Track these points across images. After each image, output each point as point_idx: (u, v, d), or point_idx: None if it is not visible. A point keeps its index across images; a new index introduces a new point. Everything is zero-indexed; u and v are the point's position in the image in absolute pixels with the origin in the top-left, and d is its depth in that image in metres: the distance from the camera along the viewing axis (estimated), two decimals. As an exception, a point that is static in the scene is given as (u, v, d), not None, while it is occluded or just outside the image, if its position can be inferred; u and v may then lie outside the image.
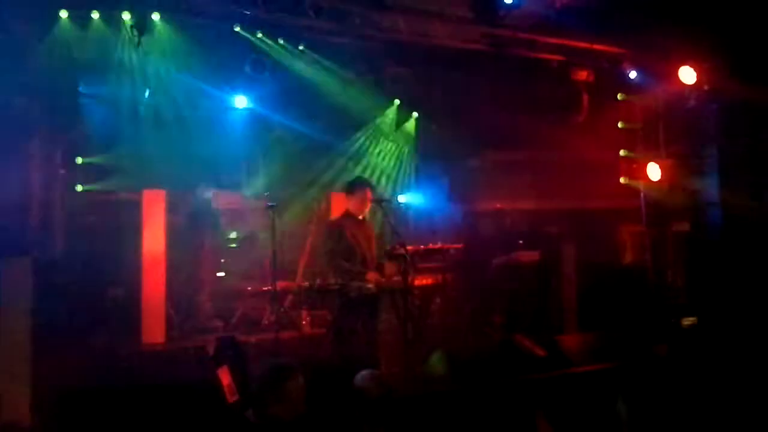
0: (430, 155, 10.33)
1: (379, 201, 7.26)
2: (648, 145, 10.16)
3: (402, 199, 10.06)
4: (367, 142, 10.07)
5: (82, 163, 8.17)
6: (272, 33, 8.48)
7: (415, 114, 10.18)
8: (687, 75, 9.38)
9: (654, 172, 9.91)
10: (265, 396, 3.93)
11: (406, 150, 10.36)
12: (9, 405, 5.68)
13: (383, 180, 10.02)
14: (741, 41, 8.64)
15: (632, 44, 9.76)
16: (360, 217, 7.11)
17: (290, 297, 8.32)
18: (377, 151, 10.14)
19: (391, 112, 10.10)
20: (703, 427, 5.64)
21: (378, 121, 10.07)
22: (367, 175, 9.48)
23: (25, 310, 5.88)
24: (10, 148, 6.84)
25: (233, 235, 8.78)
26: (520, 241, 9.39)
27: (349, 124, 9.70)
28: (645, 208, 10.01)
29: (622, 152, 10.29)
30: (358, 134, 9.95)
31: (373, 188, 7.31)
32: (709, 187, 9.63)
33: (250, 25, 8.23)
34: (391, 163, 10.30)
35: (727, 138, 9.32)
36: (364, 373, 4.65)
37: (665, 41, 9.20)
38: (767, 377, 6.47)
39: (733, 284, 8.77)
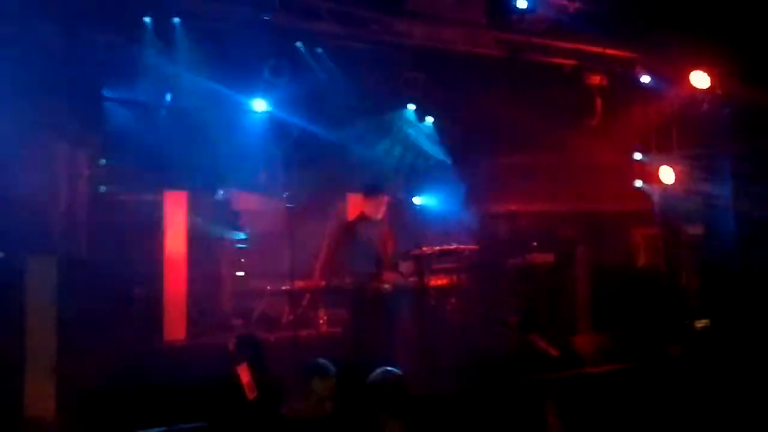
0: (445, 158, 10.33)
1: (395, 203, 7.28)
2: (661, 149, 10.13)
3: (417, 200, 10.07)
4: (383, 145, 10.09)
5: (106, 164, 8.24)
6: (291, 38, 8.54)
7: (430, 118, 10.17)
8: (699, 79, 9.36)
9: (667, 175, 9.90)
10: (291, 391, 3.94)
11: (422, 152, 10.36)
12: (35, 401, 5.74)
13: (399, 182, 10.02)
14: (753, 46, 8.61)
15: (645, 49, 9.76)
16: (376, 218, 7.13)
17: (308, 296, 8.35)
18: (393, 153, 10.16)
19: (407, 116, 10.11)
20: (715, 427, 5.62)
21: (394, 124, 10.08)
22: (383, 176, 9.49)
23: (51, 307, 5.94)
24: (37, 149, 6.92)
25: (252, 235, 8.80)
26: (535, 243, 9.37)
27: (365, 127, 9.72)
28: (658, 211, 9.98)
29: (635, 155, 10.28)
30: (374, 137, 9.96)
31: (389, 191, 7.33)
32: (722, 190, 9.60)
33: (269, 31, 8.28)
34: (407, 165, 10.31)
35: (739, 142, 9.28)
36: (380, 370, 4.65)
37: (678, 46, 9.19)
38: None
39: (746, 287, 8.72)
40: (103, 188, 8.09)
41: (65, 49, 7.30)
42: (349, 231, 7.16)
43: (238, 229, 8.69)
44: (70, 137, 7.26)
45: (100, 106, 7.96)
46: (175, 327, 7.37)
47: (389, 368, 4.65)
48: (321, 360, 4.21)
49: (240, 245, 8.69)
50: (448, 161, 10.29)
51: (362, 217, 7.19)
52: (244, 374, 6.06)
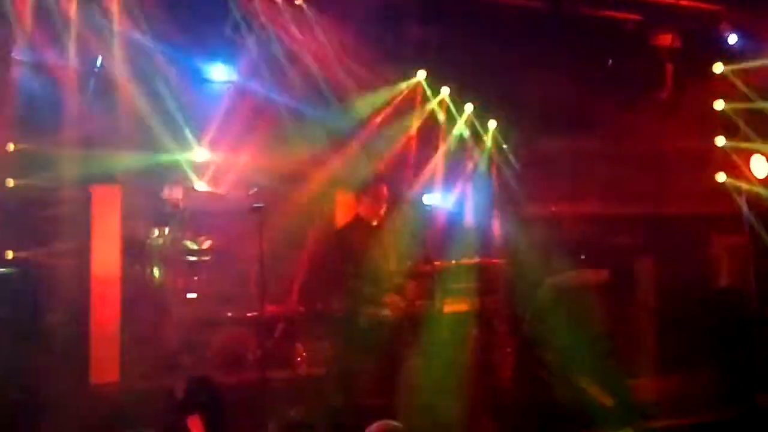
0: (465, 143, 10.35)
1: (398, 202, 7.31)
2: (753, 132, 10.15)
3: (429, 199, 10.10)
4: (384, 125, 10.11)
5: (14, 150, 8.26)
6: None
7: (445, 89, 10.21)
8: (802, 39, 9.40)
9: (760, 167, 9.91)
10: None
11: (434, 136, 10.39)
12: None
13: (405, 175, 10.05)
14: None
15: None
16: (373, 223, 7.16)
17: (281, 326, 8.37)
18: (396, 136, 10.18)
19: (414, 86, 10.14)
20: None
21: (397, 97, 10.10)
22: (383, 168, 9.52)
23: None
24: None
25: (208, 245, 8.83)
26: (582, 256, 9.40)
27: (359, 101, 9.74)
28: (747, 215, 10.00)
29: (718, 141, 10.29)
30: (372, 115, 9.98)
31: (389, 185, 7.35)
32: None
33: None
34: (415, 153, 10.33)
35: None
36: (377, 424, 4.69)
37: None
38: None
39: None
40: (10, 182, 8.12)
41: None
42: (337, 240, 7.20)
43: (189, 237, 8.71)
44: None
45: (8, 72, 7.99)
46: (106, 366, 7.39)
47: (389, 422, 4.69)
48: (298, 416, 4.21)
49: (192, 258, 8.71)
50: (469, 147, 10.30)
51: (355, 222, 7.22)
52: (196, 428, 6.10)
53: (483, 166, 10.12)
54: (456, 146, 10.28)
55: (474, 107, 10.19)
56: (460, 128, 10.26)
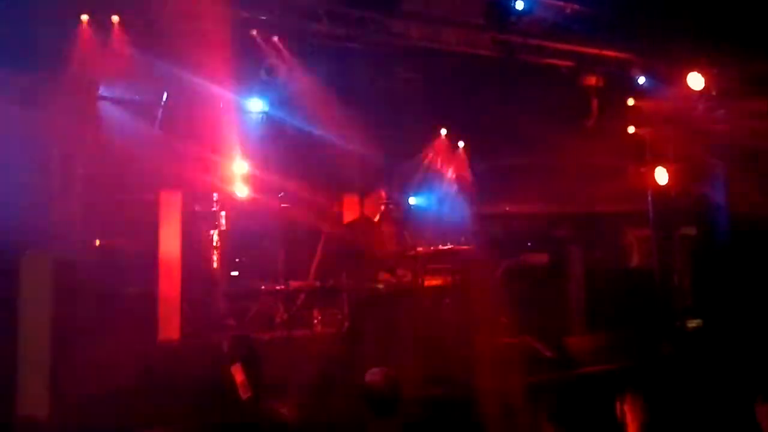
0: (441, 158, 10.31)
1: (390, 203, 7.26)
2: (656, 150, 10.13)
3: (413, 201, 10.04)
4: (379, 145, 10.04)
5: (102, 162, 8.19)
6: (287, 38, 8.51)
7: (426, 118, 10.14)
8: (695, 81, 9.36)
9: (662, 176, 9.89)
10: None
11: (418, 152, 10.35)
12: (28, 401, 5.69)
13: (394, 182, 9.99)
14: (748, 48, 8.60)
15: (641, 50, 9.76)
16: (373, 219, 7.12)
17: (302, 296, 8.32)
18: (389, 153, 10.11)
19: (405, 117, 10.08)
20: (706, 427, 5.62)
21: (390, 123, 10.04)
22: (379, 177, 9.46)
23: (45, 307, 5.89)
24: (31, 148, 6.88)
25: (247, 235, 8.76)
26: (529, 244, 9.35)
27: (361, 126, 9.68)
28: (652, 212, 9.97)
29: (630, 157, 10.27)
30: (370, 136, 9.91)
31: (386, 191, 7.31)
32: (716, 191, 9.60)
33: (266, 30, 8.25)
34: (403, 166, 10.27)
35: (734, 143, 9.28)
36: (374, 370, 4.65)
37: (674, 47, 9.19)
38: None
39: (739, 287, 8.73)
40: (97, 188, 8.05)
41: (62, 47, 7.27)
42: (346, 231, 7.14)
43: (233, 229, 8.63)
44: (65, 135, 7.22)
45: (96, 104, 7.91)
46: (170, 327, 7.30)
47: (383, 368, 4.64)
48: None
49: (234, 245, 8.63)
50: (443, 161, 10.26)
51: (359, 218, 7.17)
52: (238, 374, 6.05)
53: (454, 176, 10.08)
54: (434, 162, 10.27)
55: (447, 131, 10.14)
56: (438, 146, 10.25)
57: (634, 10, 8.84)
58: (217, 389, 5.92)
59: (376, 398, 4.64)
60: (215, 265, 8.32)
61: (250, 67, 8.56)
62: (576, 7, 8.95)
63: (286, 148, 9.20)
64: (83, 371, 5.98)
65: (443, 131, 9.98)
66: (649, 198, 10.00)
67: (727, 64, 9.07)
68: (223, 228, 8.41)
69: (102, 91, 7.99)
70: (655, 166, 9.95)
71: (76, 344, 6.08)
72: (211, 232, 8.43)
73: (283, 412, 5.62)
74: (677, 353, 8.07)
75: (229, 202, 8.62)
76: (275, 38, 8.44)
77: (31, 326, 5.83)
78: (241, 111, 9.07)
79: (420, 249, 7.76)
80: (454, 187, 10.22)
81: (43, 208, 6.80)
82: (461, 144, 10.13)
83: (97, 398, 5.71)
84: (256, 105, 9.12)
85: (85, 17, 7.40)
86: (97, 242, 7.74)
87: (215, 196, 8.55)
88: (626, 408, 5.91)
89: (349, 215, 8.49)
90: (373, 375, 4.67)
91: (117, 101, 8.13)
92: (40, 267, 5.92)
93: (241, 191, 9.02)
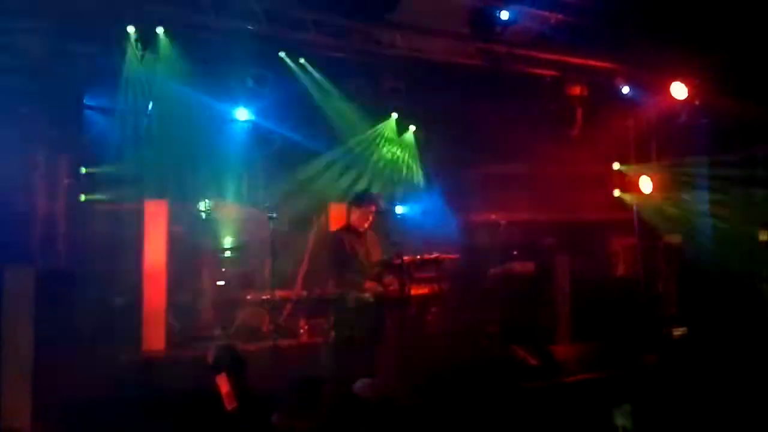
0: (427, 167, 10.31)
1: (378, 212, 7.24)
2: (640, 159, 10.19)
3: (399, 209, 10.04)
4: (366, 154, 10.06)
5: (86, 173, 8.15)
6: (274, 47, 8.51)
7: (412, 126, 10.17)
8: (678, 90, 9.44)
9: (646, 185, 9.96)
10: (297, 406, 3.81)
11: (404, 161, 10.35)
12: (10, 412, 5.63)
13: (381, 190, 9.99)
14: (731, 57, 8.68)
15: (625, 60, 9.81)
16: (360, 228, 7.09)
17: (289, 306, 8.28)
18: (376, 162, 10.13)
19: (389, 124, 10.10)
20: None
21: (376, 132, 10.06)
22: (365, 185, 9.47)
23: (28, 318, 5.83)
24: (15, 157, 6.83)
25: (233, 244, 8.73)
26: (515, 252, 9.37)
27: (348, 135, 9.69)
28: (637, 221, 10.03)
29: (615, 165, 10.32)
30: (357, 146, 9.92)
31: (378, 204, 7.28)
32: (700, 200, 9.67)
33: (253, 40, 8.25)
34: (389, 174, 10.28)
35: (717, 151, 9.35)
36: (363, 380, 4.64)
37: (657, 57, 9.26)
38: (757, 386, 6.47)
39: (723, 295, 8.77)
40: (82, 197, 8.00)
41: (46, 58, 7.24)
42: (333, 240, 7.11)
43: (219, 238, 8.60)
44: (50, 145, 7.18)
45: (81, 114, 7.88)
46: (154, 338, 7.25)
47: (372, 379, 4.62)
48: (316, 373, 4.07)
49: (220, 255, 8.60)
50: (430, 169, 10.26)
51: (346, 227, 7.14)
52: (224, 385, 5.99)
53: (441, 185, 10.09)
54: (421, 170, 10.27)
55: (433, 140, 10.17)
56: (425, 157, 10.25)
57: (619, 20, 8.90)
58: (201, 400, 5.88)
59: (365, 409, 4.63)
60: (201, 274, 8.29)
61: (236, 76, 8.56)
62: (560, 17, 9.00)
63: (272, 157, 9.19)
64: (66, 382, 5.93)
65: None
66: (634, 207, 10.05)
67: (711, 74, 9.14)
68: (209, 237, 8.39)
69: (87, 100, 7.96)
70: (640, 175, 10.00)
71: (58, 355, 6.03)
72: (197, 241, 8.41)
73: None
74: (662, 361, 8.09)
75: (215, 211, 8.60)
76: (261, 47, 8.43)
77: (13, 338, 5.77)
78: (228, 120, 9.05)
79: (406, 258, 7.74)
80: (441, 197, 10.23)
81: (27, 218, 6.76)
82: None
83: (80, 409, 5.66)
84: (243, 114, 9.11)
85: (70, 26, 7.36)
86: (83, 252, 7.70)
87: (201, 205, 8.54)
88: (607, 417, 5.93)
89: (336, 224, 8.47)
90: (362, 386, 4.66)
91: (102, 110, 8.10)
92: (22, 278, 5.86)
93: (228, 200, 9.01)
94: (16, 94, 6.87)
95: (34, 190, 7.04)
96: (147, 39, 7.73)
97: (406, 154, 10.37)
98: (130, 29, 7.62)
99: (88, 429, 5.49)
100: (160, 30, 7.78)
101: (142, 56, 7.70)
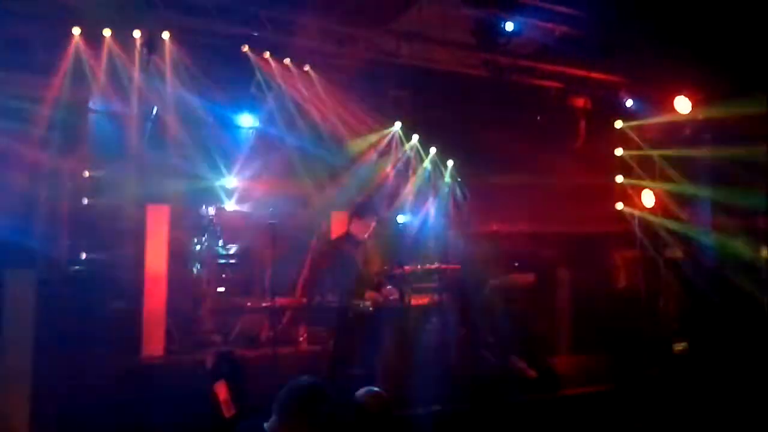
0: (429, 177, 10.32)
1: (379, 221, 7.26)
2: (643, 172, 10.20)
3: (400, 219, 10.05)
4: (369, 162, 10.07)
5: (89, 176, 8.17)
6: (279, 54, 8.55)
7: (415, 136, 10.19)
8: (682, 105, 9.44)
9: (648, 198, 9.95)
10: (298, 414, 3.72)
11: (406, 171, 10.36)
12: (8, 416, 5.64)
13: (382, 200, 10.00)
14: (736, 72, 8.70)
15: (629, 73, 9.85)
16: (359, 237, 7.11)
17: (289, 313, 8.28)
18: (378, 171, 10.14)
19: (392, 133, 10.12)
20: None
21: (379, 141, 10.08)
22: (366, 194, 9.47)
23: (28, 321, 5.85)
24: (18, 160, 6.85)
25: (234, 251, 8.73)
26: (516, 264, 9.37)
27: (351, 144, 9.71)
28: (639, 234, 10.02)
29: (618, 179, 10.33)
30: (360, 154, 9.94)
31: (379, 215, 7.30)
32: (702, 214, 9.67)
33: (258, 47, 8.29)
34: (391, 184, 10.29)
35: (720, 167, 9.35)
36: (364, 389, 4.63)
37: (662, 71, 9.27)
38: (756, 401, 6.47)
39: (724, 310, 8.77)
40: (85, 201, 8.02)
41: (52, 60, 7.28)
42: (333, 249, 7.12)
43: (220, 244, 8.61)
44: (53, 149, 7.20)
45: (85, 118, 7.91)
46: (154, 342, 7.26)
47: (373, 388, 4.62)
48: (316, 380, 3.98)
49: (221, 261, 8.61)
50: (431, 179, 10.27)
51: (347, 236, 7.15)
52: (222, 392, 6.00)
53: (442, 195, 10.09)
54: (422, 179, 10.26)
55: (436, 150, 10.18)
56: (426, 166, 10.25)
57: (623, 34, 8.93)
58: (200, 407, 5.88)
59: (366, 418, 4.62)
60: (201, 280, 8.30)
61: (241, 82, 8.59)
62: (565, 29, 9.04)
63: (275, 164, 9.21)
64: (64, 387, 5.93)
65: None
66: (636, 220, 10.05)
67: (714, 89, 9.16)
68: (211, 243, 8.39)
69: (92, 104, 7.99)
70: (642, 189, 10.01)
71: (58, 360, 6.03)
72: (198, 247, 8.41)
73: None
74: (663, 376, 8.09)
75: (217, 217, 8.61)
76: (266, 54, 8.47)
77: (13, 342, 5.78)
78: (232, 126, 9.08)
79: (407, 268, 7.75)
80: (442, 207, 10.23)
81: (29, 221, 6.77)
82: (450, 163, 10.16)
83: (78, 414, 5.66)
84: (247, 120, 9.13)
85: (77, 30, 7.41)
86: (83, 255, 7.70)
87: (203, 210, 8.55)
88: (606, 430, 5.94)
89: (337, 232, 8.48)
90: (363, 394, 4.64)
91: (107, 114, 8.13)
92: (23, 282, 5.87)
93: (230, 206, 9.03)
94: (21, 98, 6.90)
95: (37, 193, 7.05)
96: (152, 44, 7.76)
97: (407, 165, 10.38)
98: (136, 34, 7.64)
99: (86, 434, 5.50)
100: (165, 35, 7.81)
101: (148, 61, 7.71)
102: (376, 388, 4.52)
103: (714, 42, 8.49)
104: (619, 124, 10.28)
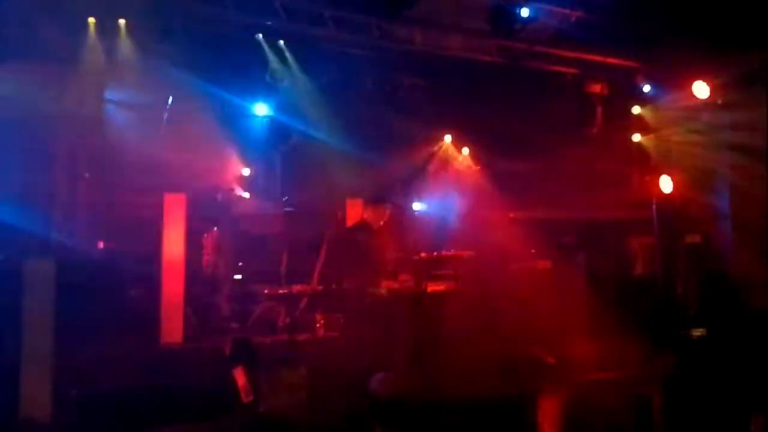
0: (445, 165, 10.32)
1: (394, 208, 7.26)
2: (660, 158, 10.11)
3: (416, 206, 10.04)
4: (383, 150, 10.06)
5: (106, 167, 8.23)
6: (293, 43, 8.55)
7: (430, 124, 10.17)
8: (700, 89, 9.35)
9: (666, 184, 9.87)
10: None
11: (423, 158, 10.36)
12: (30, 401, 5.72)
13: (398, 187, 10.00)
14: (753, 56, 8.60)
15: (646, 58, 9.76)
16: (374, 225, 7.12)
17: (305, 300, 8.31)
18: (393, 158, 10.12)
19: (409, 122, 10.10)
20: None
21: (395, 129, 10.05)
22: (382, 182, 9.46)
23: (48, 309, 5.92)
24: (37, 151, 6.91)
25: (251, 239, 8.77)
26: (533, 250, 9.33)
27: (365, 131, 9.70)
28: (656, 220, 9.95)
29: (635, 164, 10.26)
30: (374, 141, 9.93)
31: (394, 203, 7.30)
32: (721, 199, 9.58)
33: (272, 35, 8.29)
34: (407, 171, 10.28)
35: (738, 151, 9.26)
36: (378, 375, 4.65)
37: (679, 55, 9.17)
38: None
39: (743, 296, 8.70)
40: (102, 190, 8.08)
41: (68, 51, 7.33)
42: (348, 236, 7.13)
43: (238, 232, 8.64)
44: (70, 139, 7.26)
45: (102, 108, 7.96)
46: (172, 329, 7.30)
47: (387, 374, 4.64)
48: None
49: (239, 249, 8.65)
50: (448, 167, 10.27)
51: (362, 224, 7.16)
52: (240, 377, 6.05)
53: (458, 182, 10.08)
54: (439, 167, 10.26)
55: (452, 138, 10.16)
56: (443, 153, 10.24)
57: (640, 18, 8.84)
58: (219, 392, 5.93)
59: (381, 405, 4.64)
60: (219, 268, 8.34)
61: (255, 71, 8.60)
62: (580, 14, 8.95)
63: (290, 152, 9.23)
64: (85, 373, 6.00)
65: (448, 137, 10.00)
66: (654, 206, 9.98)
67: (732, 73, 9.06)
68: (228, 231, 8.43)
69: (108, 94, 8.04)
70: (660, 174, 9.93)
71: (78, 347, 6.10)
72: (216, 235, 8.45)
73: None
74: (681, 362, 8.04)
75: (233, 205, 8.65)
76: (281, 42, 8.47)
77: (34, 329, 5.86)
78: (246, 115, 9.10)
79: (423, 254, 7.75)
80: (458, 193, 10.21)
81: (47, 211, 6.84)
82: (466, 150, 10.13)
83: (99, 400, 5.73)
84: (261, 109, 9.14)
85: (92, 20, 7.45)
86: (101, 244, 7.76)
87: (219, 198, 8.59)
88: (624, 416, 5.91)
89: (353, 220, 8.49)
90: (377, 381, 4.67)
91: (123, 104, 8.17)
92: (43, 270, 5.94)
93: (246, 195, 9.05)
94: (38, 89, 6.96)
95: (55, 183, 7.12)
96: (167, 33, 7.78)
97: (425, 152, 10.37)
98: (150, 23, 7.66)
99: (107, 419, 5.55)
100: (179, 24, 7.82)
101: (162, 50, 7.74)
102: (390, 374, 4.55)
103: (731, 25, 8.39)
104: (636, 109, 10.19)
